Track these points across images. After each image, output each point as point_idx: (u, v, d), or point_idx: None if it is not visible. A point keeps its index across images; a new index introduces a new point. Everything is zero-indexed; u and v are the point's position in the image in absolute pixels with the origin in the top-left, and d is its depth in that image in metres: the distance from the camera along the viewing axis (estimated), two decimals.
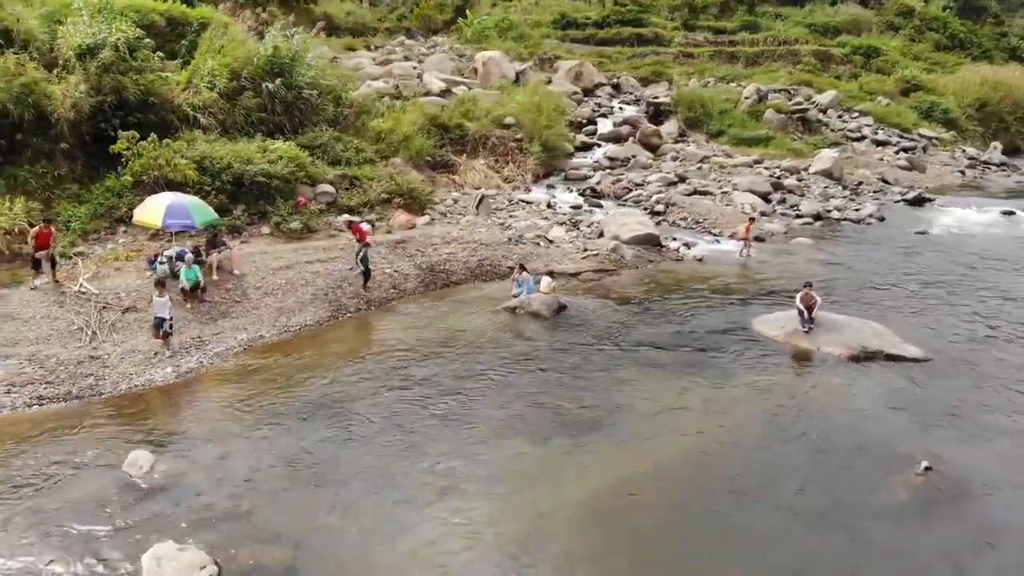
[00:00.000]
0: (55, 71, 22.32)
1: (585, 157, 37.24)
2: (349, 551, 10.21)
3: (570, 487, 11.64)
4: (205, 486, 11.50)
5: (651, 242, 25.09)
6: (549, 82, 45.67)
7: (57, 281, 17.73)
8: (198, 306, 17.89)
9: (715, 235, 27.72)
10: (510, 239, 23.84)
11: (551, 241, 24.37)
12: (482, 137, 33.24)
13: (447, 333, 17.71)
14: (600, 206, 30.09)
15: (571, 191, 31.98)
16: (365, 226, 22.49)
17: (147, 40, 24.09)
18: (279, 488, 11.56)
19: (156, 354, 15.78)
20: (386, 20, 71.11)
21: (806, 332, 17.75)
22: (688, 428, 13.68)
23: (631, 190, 32.00)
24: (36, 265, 17.67)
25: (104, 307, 17.24)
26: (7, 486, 11.28)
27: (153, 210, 18.41)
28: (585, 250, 23.90)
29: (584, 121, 41.33)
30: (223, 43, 26.46)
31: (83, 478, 11.61)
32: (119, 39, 22.66)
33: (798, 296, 18.16)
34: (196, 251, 19.44)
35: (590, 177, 33.70)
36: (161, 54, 25.04)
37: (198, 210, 18.81)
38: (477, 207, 26.42)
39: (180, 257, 18.82)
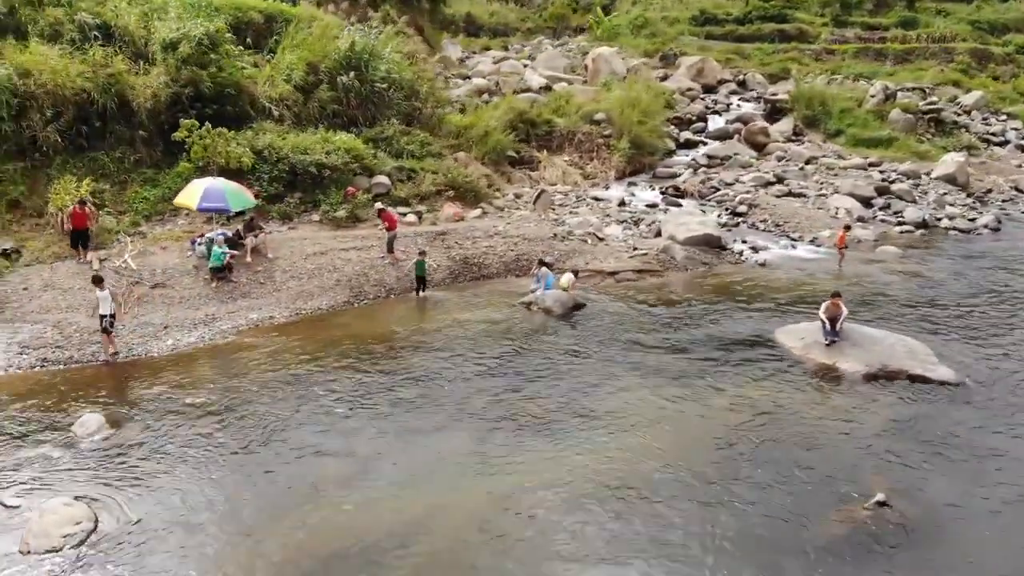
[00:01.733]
0: (143, 63, 24.12)
1: (687, 155, 36.05)
2: (236, 528, 10.42)
3: (467, 491, 11.34)
4: (137, 452, 12.15)
5: (710, 243, 23.99)
6: (664, 78, 44.65)
7: (87, 258, 19.14)
8: (222, 286, 18.86)
9: (793, 239, 26.11)
10: (556, 235, 23.49)
11: (601, 239, 23.80)
12: (569, 133, 33.02)
13: (447, 324, 17.75)
14: (679, 205, 29.06)
15: (653, 189, 31.07)
16: (409, 216, 22.99)
17: (228, 34, 25.52)
18: (207, 463, 11.96)
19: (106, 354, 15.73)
20: (529, 20, 71.83)
21: (827, 345, 16.38)
22: (643, 439, 12.90)
23: (719, 189, 30.67)
24: (74, 243, 19.17)
25: (136, 282, 18.53)
26: None
27: (192, 193, 19.58)
28: (634, 249, 23.18)
29: (693, 118, 40.03)
30: (304, 38, 27.70)
31: (38, 434, 12.58)
32: (199, 34, 24.19)
33: (823, 306, 16.82)
34: (237, 235, 20.56)
35: (679, 175, 32.57)
36: (241, 48, 26.41)
37: (234, 195, 19.80)
38: (535, 202, 26.21)
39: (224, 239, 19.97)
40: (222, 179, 20.35)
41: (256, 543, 10.07)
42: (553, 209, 26.43)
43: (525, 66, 43.58)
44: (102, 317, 15.45)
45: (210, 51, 24.44)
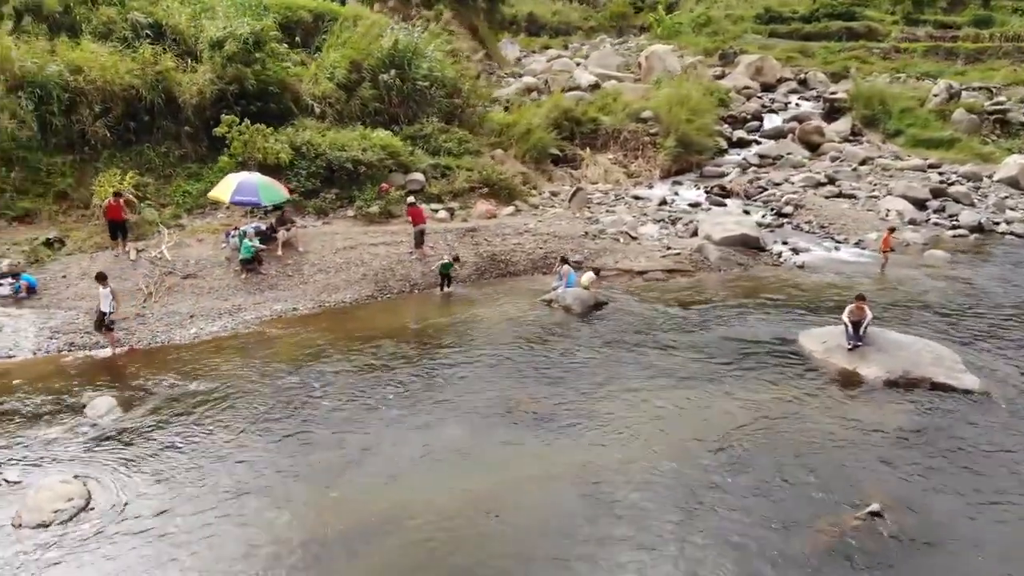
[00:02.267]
0: (190, 61, 24.86)
1: (739, 154, 35.44)
2: (217, 511, 10.62)
3: (446, 487, 11.34)
4: (141, 434, 12.54)
5: (747, 244, 23.53)
6: (721, 77, 43.96)
7: (126, 249, 19.77)
8: (251, 278, 19.30)
9: (837, 241, 25.40)
10: (587, 233, 23.33)
11: (634, 237, 23.56)
12: (615, 131, 32.76)
13: (464, 320, 17.85)
14: (724, 205, 28.61)
15: (698, 188, 30.62)
16: (440, 213, 23.15)
17: (274, 33, 26.14)
18: (204, 448, 12.26)
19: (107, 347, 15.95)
20: (592, 19, 71.53)
21: (850, 350, 15.89)
22: (639, 440, 12.68)
23: (766, 189, 30.06)
24: (113, 234, 19.83)
25: (169, 272, 19.13)
26: None
27: (225, 187, 20.10)
28: (668, 248, 22.88)
29: (748, 117, 39.31)
30: (349, 36, 28.15)
31: (51, 414, 13.10)
32: (245, 33, 24.84)
33: (847, 310, 16.32)
34: (271, 228, 21.04)
35: (727, 175, 32.03)
36: (286, 46, 27.00)
37: (266, 190, 20.22)
38: (570, 200, 26.10)
39: (255, 232, 20.50)
40: (256, 174, 20.83)
41: (232, 528, 10.29)
42: (589, 207, 26.27)
43: (578, 64, 43.39)
44: (101, 314, 15.66)
45: (255, 49, 25.08)
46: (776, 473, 11.84)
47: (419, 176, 24.73)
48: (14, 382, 14.27)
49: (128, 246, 20.03)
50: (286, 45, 27.09)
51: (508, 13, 66.59)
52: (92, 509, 10.53)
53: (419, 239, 20.98)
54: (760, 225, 26.23)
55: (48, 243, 19.92)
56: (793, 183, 30.56)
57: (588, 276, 19.16)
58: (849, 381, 15.15)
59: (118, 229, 19.73)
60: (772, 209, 28.08)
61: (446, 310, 18.76)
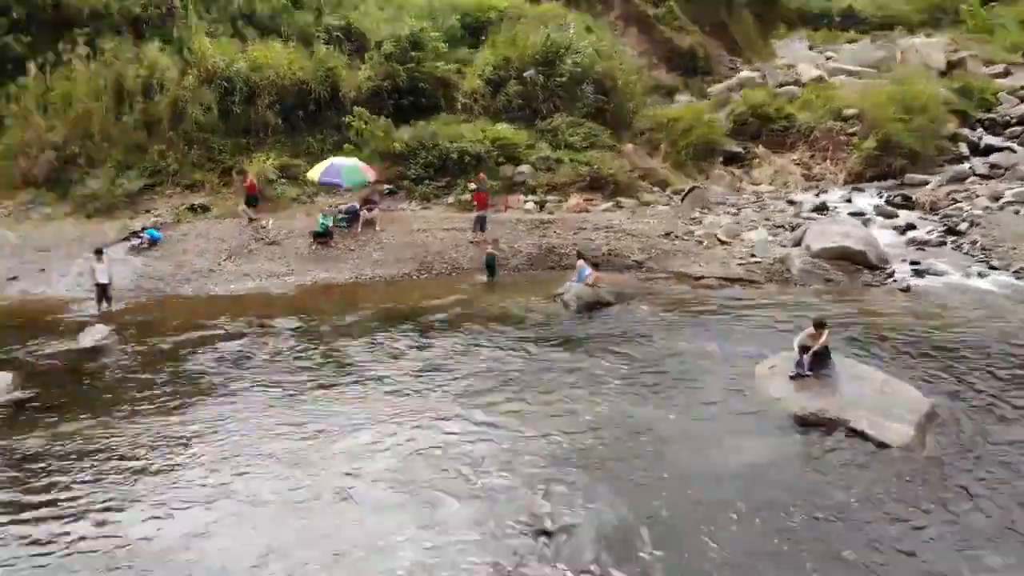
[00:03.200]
0: (358, 60, 28.17)
1: (980, 162, 30.24)
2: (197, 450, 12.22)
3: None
4: (133, 359, 15.39)
5: (851, 258, 20.63)
6: (1005, 75, 37.54)
7: (252, 219, 23.31)
8: (319, 250, 21.80)
9: (993, 267, 21.06)
10: (668, 234, 22.21)
11: (723, 242, 21.90)
12: (808, 130, 30.01)
13: (463, 303, 18.26)
14: (895, 215, 25.02)
15: (880, 196, 26.96)
16: (528, 204, 23.75)
17: (434, 33, 28.47)
18: (190, 387, 14.11)
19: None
20: (923, 12, 63.89)
21: (792, 377, 13.81)
22: (481, 444, 12.26)
23: (957, 202, 25.59)
24: (249, 204, 23.45)
25: (259, 239, 22.34)
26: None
27: (318, 168, 22.89)
28: (751, 256, 21.03)
29: (1012, 120, 33.17)
30: (512, 34, 29.47)
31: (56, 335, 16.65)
32: (405, 34, 27.51)
33: (801, 334, 14.17)
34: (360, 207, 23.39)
35: (927, 184, 27.72)
36: (445, 45, 29.13)
37: (350, 173, 22.64)
38: (683, 198, 24.79)
39: (347, 211, 23.09)
40: (344, 158, 23.44)
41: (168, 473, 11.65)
42: (704, 208, 24.75)
43: (828, 59, 39.78)
44: (97, 285, 18.03)
45: (413, 48, 27.60)
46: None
47: (527, 168, 25.36)
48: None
49: (247, 215, 23.61)
50: (458, 46, 29.25)
51: (819, 7, 62.52)
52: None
53: (480, 224, 21.76)
54: (915, 241, 22.74)
55: (193, 208, 24.28)
56: (1003, 197, 25.52)
57: (589, 272, 18.53)
58: (757, 410, 13.24)
59: (254, 200, 23.35)
60: (945, 225, 23.92)
61: (464, 293, 19.03)
